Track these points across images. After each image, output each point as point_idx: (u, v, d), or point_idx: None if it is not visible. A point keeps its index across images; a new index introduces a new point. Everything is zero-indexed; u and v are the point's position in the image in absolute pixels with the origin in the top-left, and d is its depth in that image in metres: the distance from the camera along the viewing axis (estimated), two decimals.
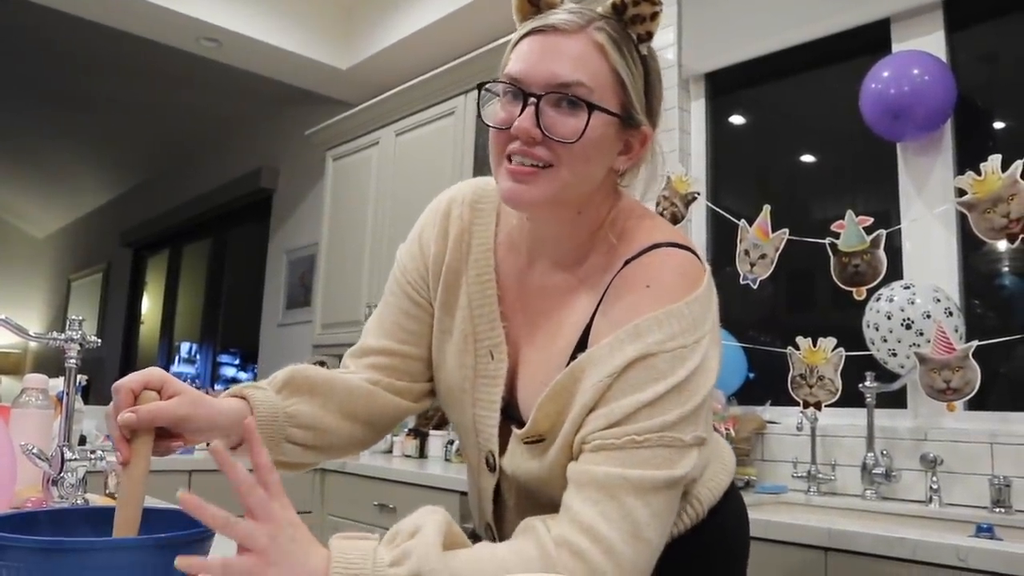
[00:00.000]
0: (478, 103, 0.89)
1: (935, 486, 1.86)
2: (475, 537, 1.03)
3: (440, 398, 1.02)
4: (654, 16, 0.82)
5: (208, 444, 0.71)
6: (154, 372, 0.82)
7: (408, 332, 1.00)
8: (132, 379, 0.80)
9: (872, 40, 2.26)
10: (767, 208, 2.13)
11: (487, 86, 0.86)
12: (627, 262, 0.85)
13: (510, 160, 0.83)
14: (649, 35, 0.83)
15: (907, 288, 1.93)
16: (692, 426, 0.77)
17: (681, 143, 2.64)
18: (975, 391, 1.74)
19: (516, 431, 0.89)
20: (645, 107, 0.85)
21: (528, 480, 0.88)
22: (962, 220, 1.97)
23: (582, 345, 0.84)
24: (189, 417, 0.81)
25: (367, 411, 0.98)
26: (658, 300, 0.80)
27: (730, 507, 1.00)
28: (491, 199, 0.98)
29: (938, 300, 1.88)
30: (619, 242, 0.87)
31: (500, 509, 0.97)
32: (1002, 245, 2.01)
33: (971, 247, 2.04)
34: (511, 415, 0.92)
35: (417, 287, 1.01)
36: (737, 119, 2.70)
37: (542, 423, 0.85)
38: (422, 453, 3.09)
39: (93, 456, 1.21)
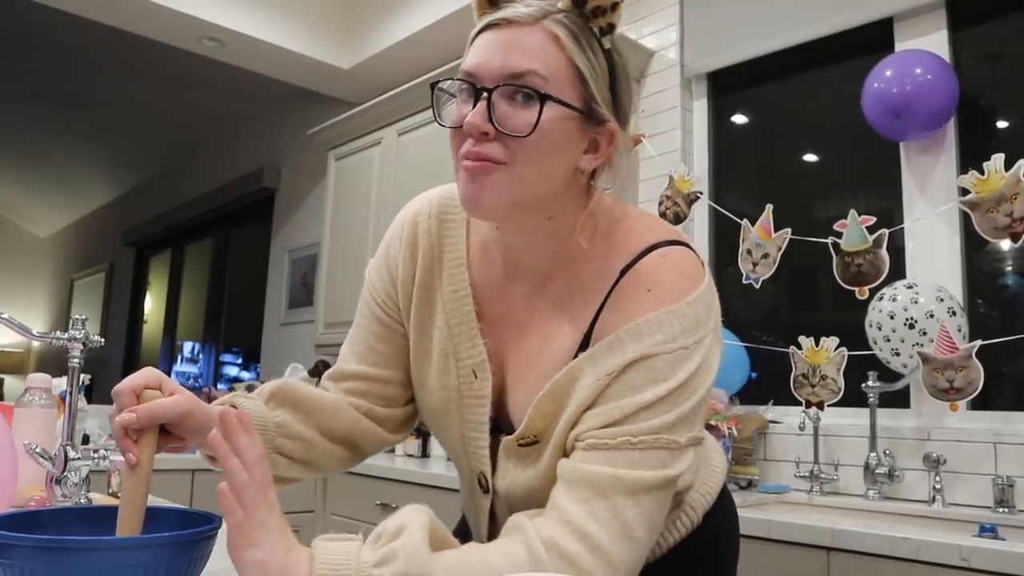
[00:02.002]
0: (432, 104, 0.83)
1: (938, 486, 1.85)
2: (466, 535, 1.02)
3: (425, 421, 0.99)
4: (615, 7, 0.78)
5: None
6: (152, 372, 0.81)
7: (380, 355, 0.97)
8: (132, 380, 0.80)
9: (875, 39, 2.26)
10: (769, 207, 2.12)
11: (440, 85, 0.82)
12: (624, 271, 0.81)
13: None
14: (611, 27, 0.79)
15: (910, 287, 1.93)
16: (688, 427, 0.76)
17: (683, 143, 2.64)
18: (978, 391, 1.74)
19: (507, 438, 0.86)
20: (611, 103, 0.80)
21: (523, 495, 0.86)
22: (965, 219, 1.97)
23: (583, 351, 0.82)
24: (190, 414, 0.81)
25: (347, 432, 0.96)
26: (660, 302, 0.77)
27: (723, 510, 0.99)
28: (460, 209, 0.90)
29: (941, 299, 1.88)
30: (609, 248, 0.83)
31: (496, 530, 0.93)
32: (1005, 244, 2.01)
33: (974, 246, 2.04)
34: (503, 430, 0.89)
35: (386, 308, 0.97)
36: (739, 118, 2.70)
37: (537, 423, 0.83)
38: (424, 452, 3.09)
39: (96, 455, 1.21)
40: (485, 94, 0.76)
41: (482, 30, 0.80)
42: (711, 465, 0.99)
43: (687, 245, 0.84)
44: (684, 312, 0.77)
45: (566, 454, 0.79)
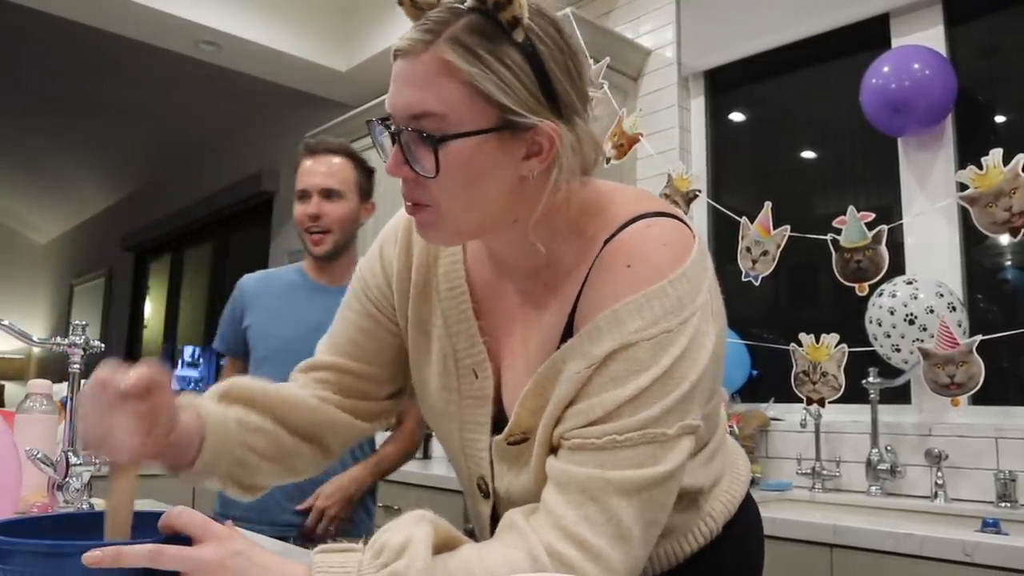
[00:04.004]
0: (372, 138, 0.81)
1: (940, 481, 1.85)
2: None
3: (428, 423, 0.97)
4: (511, 0, 0.71)
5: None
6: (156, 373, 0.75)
7: (362, 350, 0.95)
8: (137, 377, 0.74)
9: (871, 35, 2.26)
10: (768, 205, 2.12)
11: (371, 120, 0.80)
12: (606, 242, 0.77)
13: None
14: (516, 20, 0.71)
15: (910, 283, 1.93)
16: (678, 416, 0.71)
17: (681, 141, 2.64)
18: (979, 386, 1.73)
19: (496, 437, 0.83)
20: (541, 99, 0.73)
21: (521, 499, 0.82)
22: (964, 215, 1.97)
23: (567, 337, 0.77)
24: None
25: (308, 424, 0.93)
26: (640, 281, 0.72)
27: (745, 519, 0.94)
28: None
29: (941, 295, 1.88)
30: (594, 225, 0.79)
31: None
32: (1004, 239, 2.01)
33: (973, 241, 2.04)
34: (503, 431, 0.85)
35: (379, 304, 0.95)
36: (737, 116, 2.70)
37: (525, 420, 0.79)
38: (426, 454, 3.09)
39: (98, 461, 1.21)
40: (397, 137, 0.74)
41: (394, 58, 0.75)
42: (736, 472, 0.95)
43: (678, 218, 0.79)
44: (666, 292, 0.72)
45: (553, 451, 0.76)
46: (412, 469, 2.59)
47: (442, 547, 0.69)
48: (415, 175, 0.74)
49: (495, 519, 0.89)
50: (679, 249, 0.75)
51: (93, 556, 0.61)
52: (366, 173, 1.89)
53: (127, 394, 0.72)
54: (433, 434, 3.25)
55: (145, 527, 0.75)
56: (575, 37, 0.77)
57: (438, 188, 0.74)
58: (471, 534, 1.00)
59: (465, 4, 0.73)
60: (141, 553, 0.63)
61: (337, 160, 1.83)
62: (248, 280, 1.96)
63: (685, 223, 0.79)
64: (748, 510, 0.96)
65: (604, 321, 0.72)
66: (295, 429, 0.92)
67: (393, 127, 0.75)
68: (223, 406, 0.88)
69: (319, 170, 1.82)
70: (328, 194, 1.81)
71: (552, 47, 0.74)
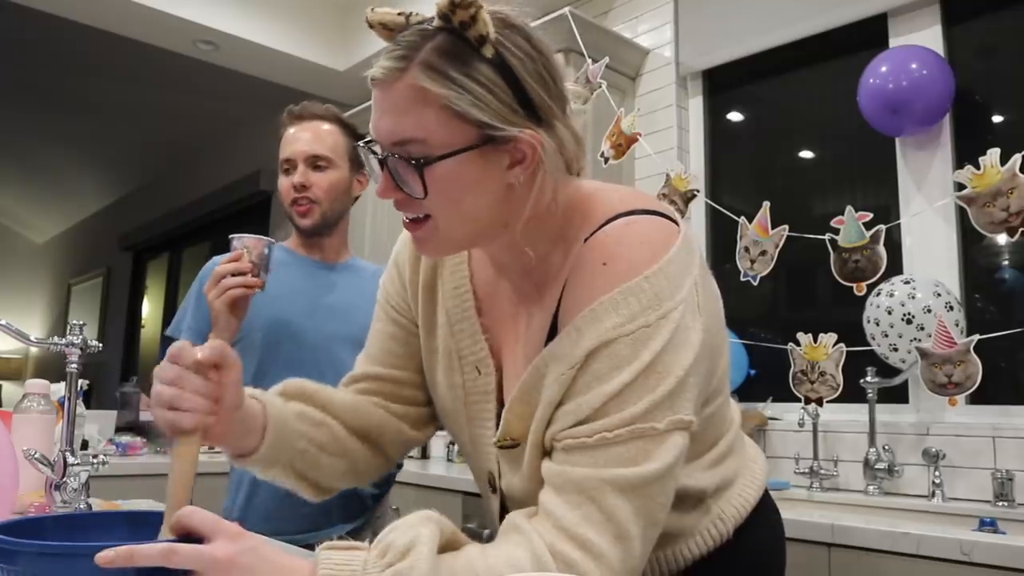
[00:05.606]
0: (364, 162, 0.84)
1: (938, 480, 1.86)
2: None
3: (441, 420, 1.00)
4: (475, 19, 0.72)
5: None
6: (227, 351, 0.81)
7: (395, 356, 0.99)
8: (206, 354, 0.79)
9: (870, 35, 2.26)
10: (766, 205, 2.13)
11: (360, 145, 0.83)
12: (586, 241, 0.79)
13: None
14: (482, 38, 0.72)
15: (907, 283, 1.93)
16: (667, 411, 0.71)
17: (679, 141, 2.64)
18: (976, 385, 1.74)
19: (491, 440, 0.85)
20: (519, 110, 0.74)
21: (522, 497, 0.84)
22: (962, 214, 1.97)
23: (552, 337, 0.79)
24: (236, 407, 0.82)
25: (364, 424, 0.96)
26: (616, 278, 0.73)
27: (761, 524, 0.93)
28: None
29: (938, 294, 1.88)
30: (581, 224, 0.81)
31: None
32: (1002, 239, 2.01)
33: (971, 241, 2.04)
34: None
35: (400, 309, 0.99)
36: (735, 116, 2.70)
37: (514, 425, 0.81)
38: (424, 454, 3.09)
39: (95, 461, 1.21)
40: (383, 162, 0.77)
41: (371, 83, 0.77)
42: (752, 475, 0.94)
43: (662, 214, 0.79)
44: (642, 288, 0.72)
45: (547, 454, 0.77)
46: (411, 469, 2.59)
47: (447, 548, 0.70)
48: (405, 196, 0.77)
49: (504, 516, 0.90)
50: (657, 245, 0.75)
51: (106, 556, 0.61)
52: (358, 141, 1.78)
53: (201, 363, 0.78)
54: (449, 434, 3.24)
55: (147, 526, 0.76)
56: (544, 42, 0.79)
57: (431, 205, 0.77)
58: (472, 533, 1.01)
59: (433, 24, 0.74)
60: (154, 553, 0.63)
61: (326, 126, 1.69)
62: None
63: (672, 219, 0.79)
64: (765, 517, 0.95)
65: (582, 321, 0.74)
66: (352, 428, 0.96)
67: (379, 153, 0.77)
68: (282, 401, 0.92)
69: (305, 136, 1.67)
70: (315, 162, 1.66)
71: (523, 57, 0.75)
